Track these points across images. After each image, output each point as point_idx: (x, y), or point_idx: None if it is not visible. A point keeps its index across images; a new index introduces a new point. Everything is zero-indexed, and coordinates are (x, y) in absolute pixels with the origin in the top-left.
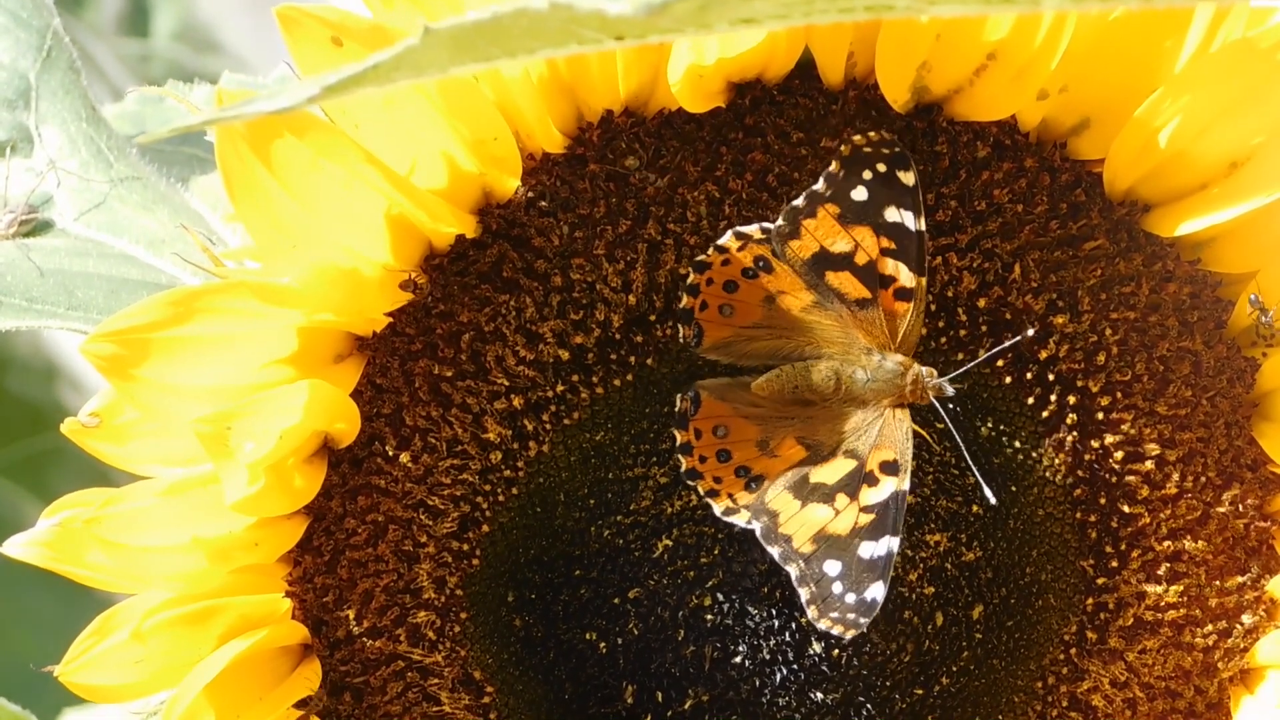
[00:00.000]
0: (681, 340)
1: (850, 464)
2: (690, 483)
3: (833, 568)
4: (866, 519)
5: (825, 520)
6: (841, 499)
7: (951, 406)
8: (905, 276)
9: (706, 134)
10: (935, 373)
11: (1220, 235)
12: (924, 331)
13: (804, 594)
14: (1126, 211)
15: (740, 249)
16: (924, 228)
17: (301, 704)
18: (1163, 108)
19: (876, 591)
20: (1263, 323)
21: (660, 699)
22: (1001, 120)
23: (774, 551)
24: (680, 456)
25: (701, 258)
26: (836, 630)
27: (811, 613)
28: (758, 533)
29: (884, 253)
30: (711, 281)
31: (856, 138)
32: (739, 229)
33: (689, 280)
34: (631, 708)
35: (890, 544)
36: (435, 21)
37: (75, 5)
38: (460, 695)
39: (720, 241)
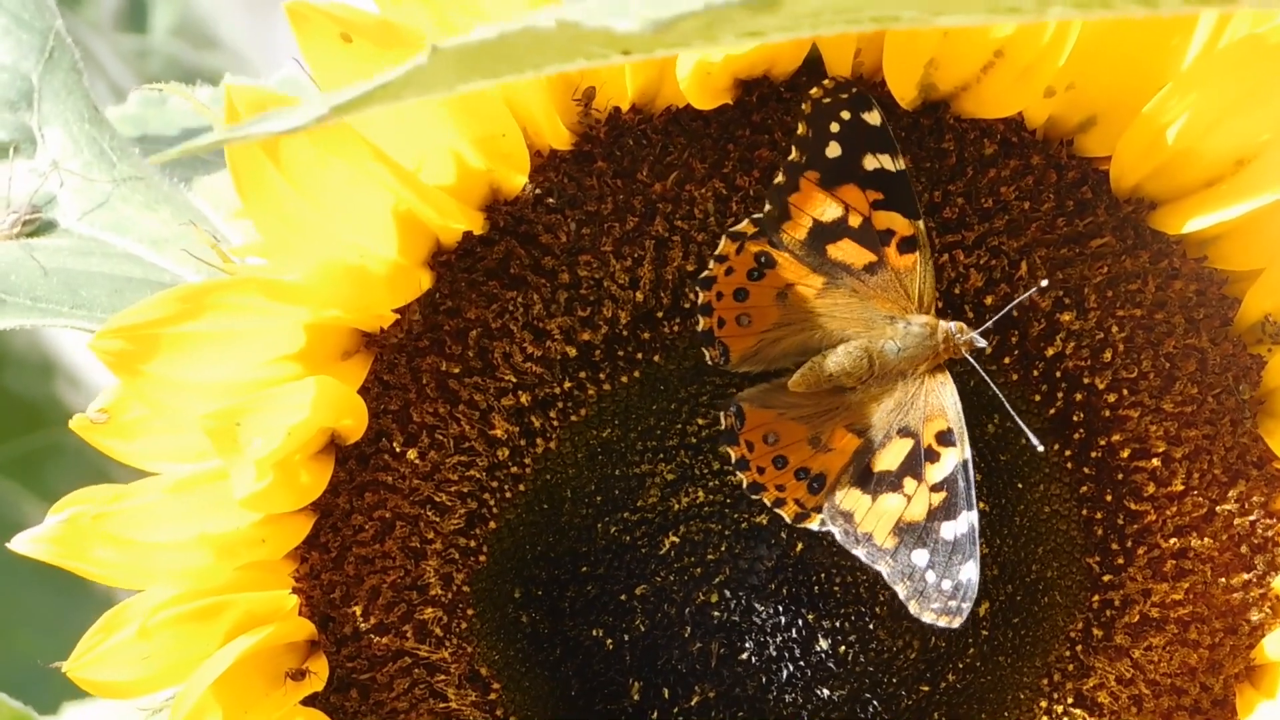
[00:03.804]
0: (710, 362)
1: (908, 443)
2: (755, 496)
3: (920, 557)
4: (939, 498)
5: (899, 509)
6: (910, 483)
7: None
8: (902, 225)
9: (714, 131)
10: (965, 327)
11: (1226, 232)
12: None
13: (901, 591)
14: (1133, 209)
15: (739, 251)
16: (905, 166)
17: (309, 700)
18: (1170, 105)
19: (970, 572)
20: (1270, 322)
21: (667, 695)
22: (1008, 117)
23: (859, 553)
24: (739, 472)
25: (705, 273)
26: (942, 622)
27: (913, 608)
28: (838, 538)
29: (875, 206)
30: (721, 295)
31: (813, 90)
32: (731, 229)
33: (700, 301)
34: (638, 704)
35: (970, 519)
36: (441, 19)
37: (74, 2)
38: (467, 691)
39: (718, 250)
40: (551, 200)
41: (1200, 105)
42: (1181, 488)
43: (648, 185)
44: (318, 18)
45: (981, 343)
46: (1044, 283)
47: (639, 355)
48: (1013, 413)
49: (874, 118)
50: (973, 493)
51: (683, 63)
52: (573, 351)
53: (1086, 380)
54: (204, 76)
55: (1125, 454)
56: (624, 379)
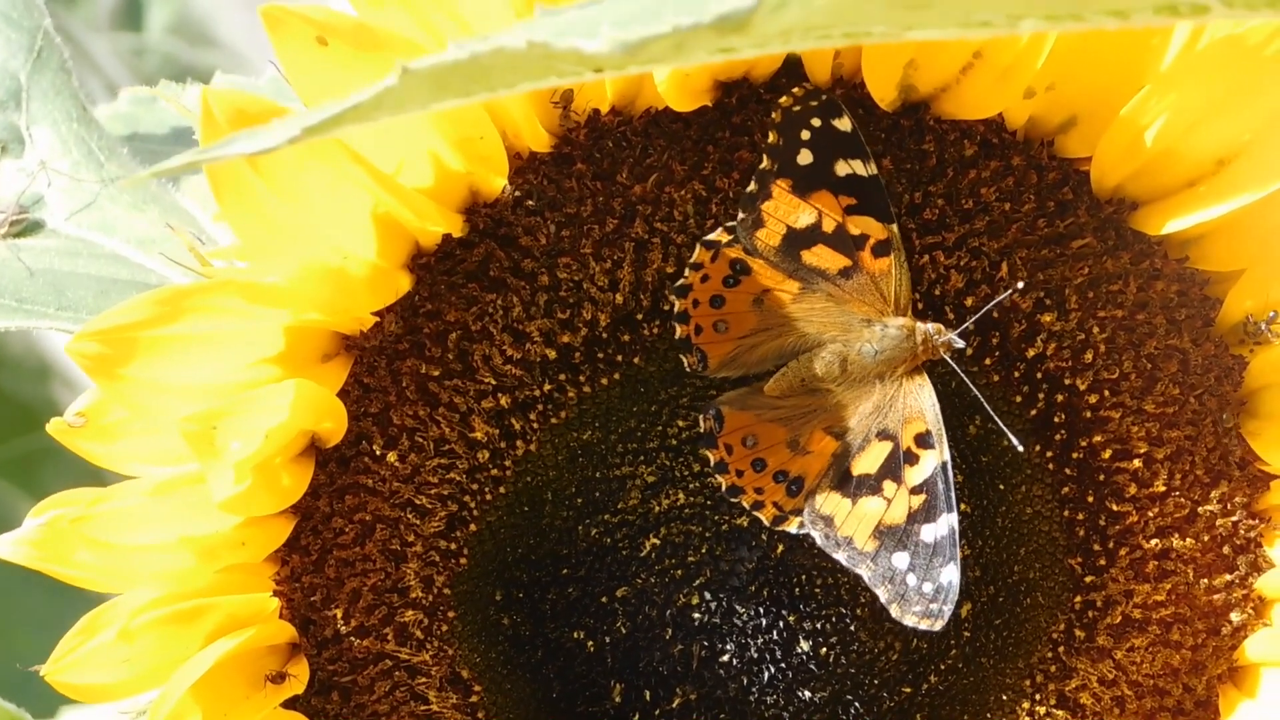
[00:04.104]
0: (688, 369)
1: (887, 446)
2: (734, 499)
3: (901, 560)
4: (918, 500)
5: (879, 512)
6: (889, 485)
7: (954, 369)
8: (876, 229)
9: (694, 133)
10: (942, 328)
11: (1208, 233)
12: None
13: (882, 595)
14: (1114, 209)
15: (714, 259)
16: (877, 171)
17: (289, 703)
18: (1150, 105)
19: (950, 574)
20: (1251, 323)
21: (648, 697)
22: (989, 119)
23: (840, 557)
24: (718, 476)
25: (681, 282)
26: (924, 625)
27: (894, 611)
28: (818, 542)
29: (848, 211)
30: (698, 303)
31: (783, 99)
32: (705, 238)
33: (676, 308)
34: (619, 706)
35: (950, 521)
36: (419, 21)
37: (70, 0)
38: (448, 694)
39: (693, 258)
40: (531, 202)
41: (1180, 106)
42: (1163, 489)
43: (627, 187)
44: (293, 21)
45: (960, 343)
46: (1020, 285)
47: (619, 357)
48: (993, 414)
49: (844, 124)
50: (952, 495)
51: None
52: (552, 354)
53: (1068, 381)
54: (200, 74)
55: (1107, 455)
56: (604, 381)
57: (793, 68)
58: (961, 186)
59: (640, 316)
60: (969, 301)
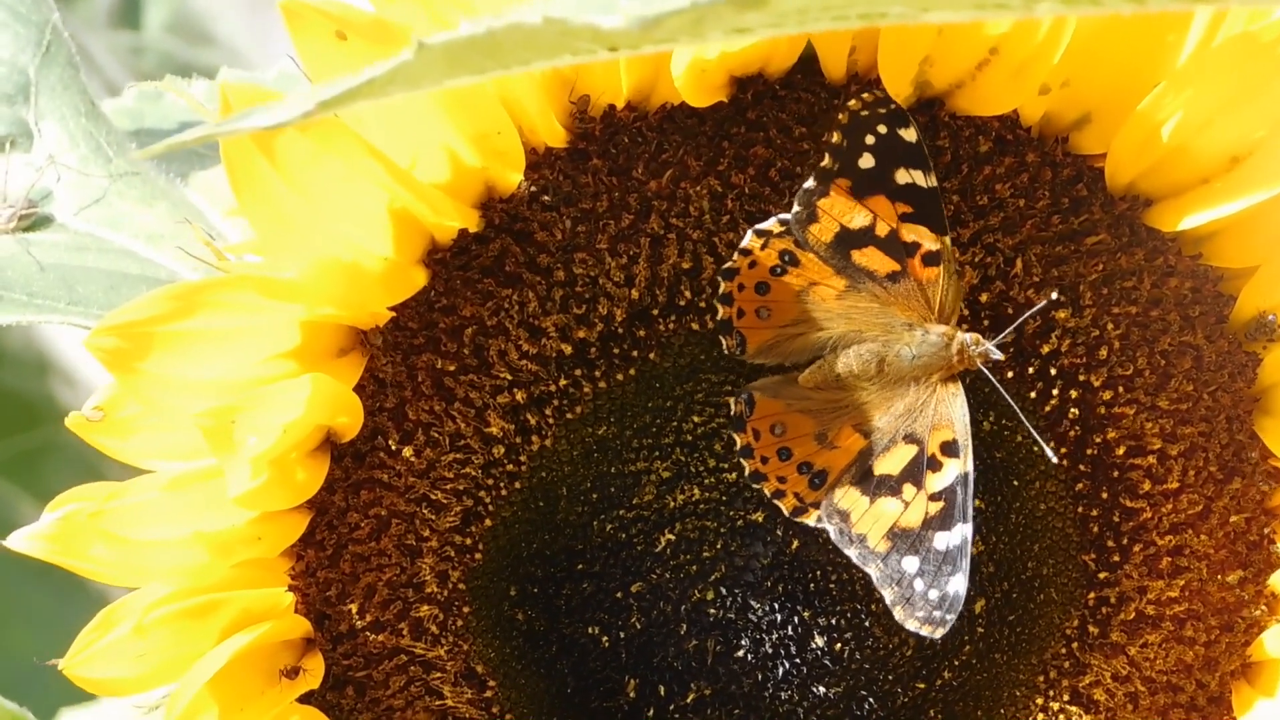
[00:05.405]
0: (726, 351)
1: (911, 450)
2: (755, 485)
3: (911, 564)
4: (936, 507)
5: (896, 514)
6: (909, 489)
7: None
8: (929, 239)
9: (709, 128)
10: (980, 339)
11: (1221, 230)
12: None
13: (888, 596)
14: (1128, 206)
15: (763, 247)
16: (936, 183)
17: (305, 698)
18: (1164, 102)
19: (958, 585)
20: (1264, 319)
21: (663, 693)
22: (1003, 115)
23: (851, 554)
24: (742, 460)
25: (728, 264)
26: (925, 631)
27: (898, 614)
28: (832, 536)
29: (903, 219)
30: (743, 287)
31: (851, 102)
32: (758, 227)
33: (721, 290)
34: (634, 701)
35: (964, 531)
36: (436, 16)
37: None
38: (463, 689)
39: (743, 244)
40: (547, 198)
41: (1195, 103)
42: (1177, 485)
43: (643, 183)
44: (312, 15)
45: (997, 354)
46: (1054, 295)
47: (634, 353)
48: (1033, 431)
49: (910, 135)
50: (970, 506)
51: (677, 60)
52: (568, 349)
53: (1082, 377)
54: (199, 73)
55: (1121, 451)
56: (619, 376)
57: (808, 63)
58: (976, 182)
59: (656, 312)
60: (984, 298)
